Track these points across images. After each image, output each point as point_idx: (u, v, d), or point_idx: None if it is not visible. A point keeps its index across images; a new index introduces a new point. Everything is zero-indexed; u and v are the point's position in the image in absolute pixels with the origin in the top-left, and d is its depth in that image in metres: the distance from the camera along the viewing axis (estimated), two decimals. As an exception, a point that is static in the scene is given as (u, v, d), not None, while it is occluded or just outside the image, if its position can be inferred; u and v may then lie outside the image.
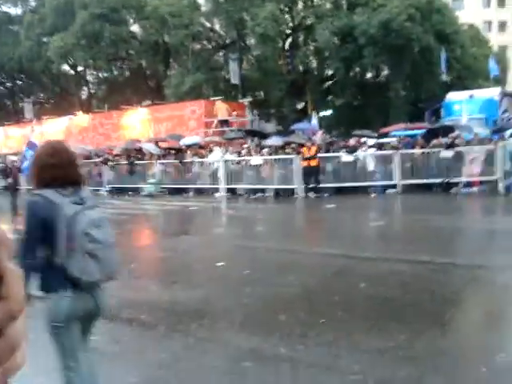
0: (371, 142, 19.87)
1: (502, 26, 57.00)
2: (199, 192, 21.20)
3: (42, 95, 47.77)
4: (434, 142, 18.34)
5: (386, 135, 21.76)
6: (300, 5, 31.04)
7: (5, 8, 43.60)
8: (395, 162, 18.29)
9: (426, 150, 18.20)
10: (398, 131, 22.07)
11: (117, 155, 24.85)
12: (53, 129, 32.94)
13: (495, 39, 46.56)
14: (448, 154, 17.64)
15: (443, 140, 18.12)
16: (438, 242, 9.64)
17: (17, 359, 0.43)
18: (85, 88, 44.84)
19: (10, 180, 16.89)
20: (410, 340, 4.96)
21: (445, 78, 27.78)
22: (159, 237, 13.01)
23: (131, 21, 36.70)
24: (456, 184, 17.61)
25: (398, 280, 7.12)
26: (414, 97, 29.74)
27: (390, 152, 18.64)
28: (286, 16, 31.29)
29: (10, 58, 39.50)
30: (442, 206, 14.89)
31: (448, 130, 18.96)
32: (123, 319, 5.99)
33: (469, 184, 17.55)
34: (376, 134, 21.43)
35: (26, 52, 38.55)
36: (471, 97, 23.31)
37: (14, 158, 21.59)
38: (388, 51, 26.29)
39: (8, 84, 47.05)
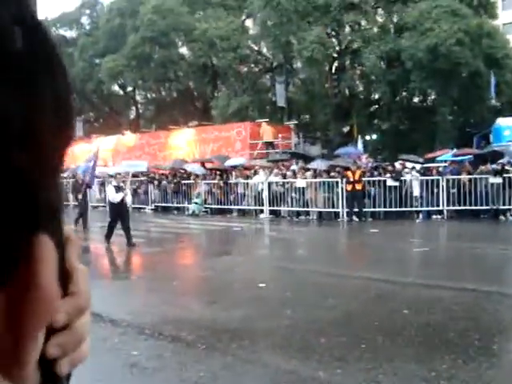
0: (417, 166, 19.63)
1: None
2: (243, 213, 21.32)
3: (91, 114, 49.14)
4: (482, 168, 17.98)
5: (432, 160, 21.43)
6: (347, 29, 31.11)
7: (61, 31, 45.34)
8: (441, 188, 18.00)
9: (473, 176, 17.85)
10: (444, 156, 21.70)
11: (163, 174, 25.27)
12: (101, 147, 33.77)
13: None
14: (497, 180, 17.26)
15: (492, 166, 17.75)
16: (485, 270, 9.41)
17: (82, 351, 0.48)
18: (133, 108, 45.90)
19: (79, 196, 18.33)
20: (453, 370, 4.85)
21: (494, 102, 27.28)
22: (202, 256, 13.11)
23: (180, 43, 37.53)
24: (505, 212, 17.18)
25: (441, 307, 6.98)
26: (462, 122, 29.25)
27: (435, 177, 18.36)
28: (333, 40, 31.34)
29: (64, 78, 40.85)
30: (489, 234, 14.53)
31: (497, 155, 18.58)
32: (164, 335, 6.07)
33: (518, 212, 17.11)
34: (422, 159, 21.11)
35: (79, 73, 39.91)
36: (522, 122, 22.81)
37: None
38: (436, 75, 25.99)
39: (60, 104, 48.48)
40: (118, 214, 13.76)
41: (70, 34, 45.76)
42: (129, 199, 14.27)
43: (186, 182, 23.57)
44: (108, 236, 13.89)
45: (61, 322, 0.45)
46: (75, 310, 0.46)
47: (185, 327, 6.40)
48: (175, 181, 23.88)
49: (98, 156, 18.96)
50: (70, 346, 0.46)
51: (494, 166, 17.74)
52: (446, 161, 20.45)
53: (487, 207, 17.27)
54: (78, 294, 0.46)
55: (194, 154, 29.39)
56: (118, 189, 13.70)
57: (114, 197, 13.67)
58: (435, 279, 8.61)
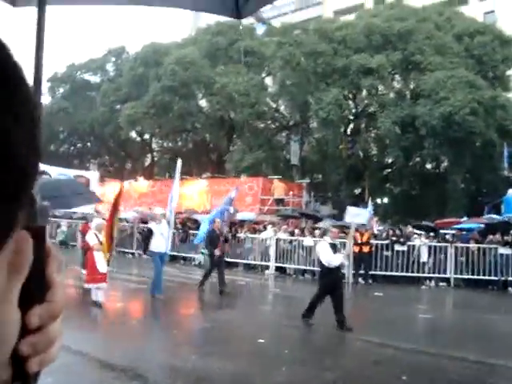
0: (425, 232, 19.57)
1: None
2: (248, 267, 21.21)
3: (107, 158, 49.90)
4: (491, 237, 17.89)
5: (442, 227, 21.36)
6: (364, 92, 31.65)
7: (86, 76, 46.70)
8: (449, 255, 17.88)
9: (482, 245, 17.73)
10: (455, 224, 21.63)
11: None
12: (113, 191, 34.10)
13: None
14: (506, 251, 17.13)
15: (502, 236, 17.65)
16: (489, 342, 9.23)
17: (52, 353, 0.55)
18: (148, 155, 46.51)
19: (217, 251, 14.44)
20: None
21: (507, 173, 27.36)
22: (204, 307, 13.03)
23: (200, 95, 38.30)
24: (513, 284, 16.98)
25: (442, 377, 6.84)
26: (473, 190, 29.32)
27: (444, 244, 18.27)
28: (350, 102, 31.88)
29: (83, 121, 41.84)
30: (496, 305, 14.31)
31: (507, 226, 18.50)
32: (157, 383, 5.99)
33: (527, 285, 16.89)
34: (433, 225, 21.04)
35: (99, 117, 40.81)
36: (533, 195, 22.79)
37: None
38: (449, 143, 26.22)
39: (78, 145, 49.52)
40: (333, 286, 9.56)
41: (94, 78, 47.05)
42: (345, 262, 9.99)
43: (195, 232, 23.60)
44: (311, 310, 9.88)
45: (35, 323, 0.51)
46: (49, 314, 0.53)
47: (179, 376, 6.33)
48: (183, 230, 23.92)
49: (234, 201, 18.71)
50: (41, 347, 0.52)
51: (504, 236, 17.65)
52: (455, 228, 20.36)
53: (495, 278, 17.07)
54: (54, 302, 0.54)
55: (206, 205, 29.53)
56: (334, 247, 9.71)
57: (329, 259, 9.39)
58: (438, 347, 8.46)
